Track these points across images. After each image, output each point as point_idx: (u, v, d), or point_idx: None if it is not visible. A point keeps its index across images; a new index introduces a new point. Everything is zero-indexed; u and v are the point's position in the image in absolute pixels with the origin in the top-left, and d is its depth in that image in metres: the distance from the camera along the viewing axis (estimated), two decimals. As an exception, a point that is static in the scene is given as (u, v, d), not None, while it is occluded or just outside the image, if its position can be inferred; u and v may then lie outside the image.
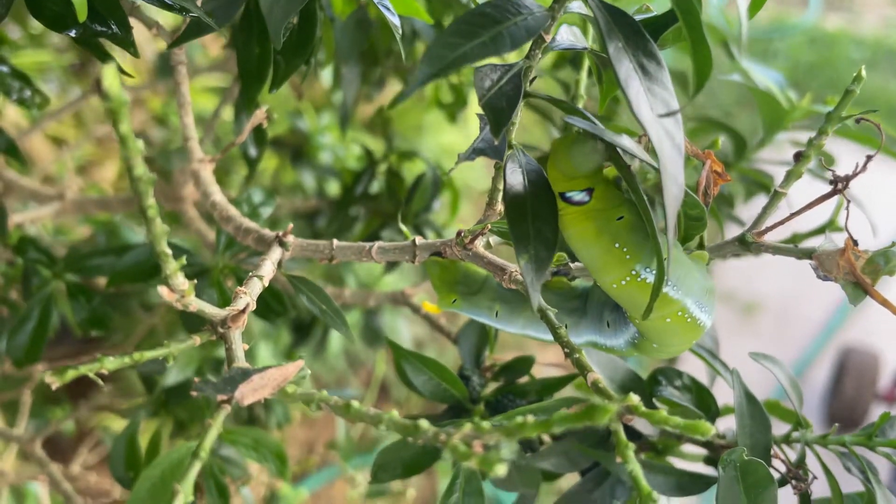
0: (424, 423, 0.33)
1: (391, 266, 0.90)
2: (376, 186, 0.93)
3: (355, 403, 0.35)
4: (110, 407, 0.90)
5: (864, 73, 0.45)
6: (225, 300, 0.61)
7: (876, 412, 2.20)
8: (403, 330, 1.34)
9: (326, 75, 1.18)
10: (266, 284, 0.46)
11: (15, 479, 1.10)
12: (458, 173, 0.97)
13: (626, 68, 0.37)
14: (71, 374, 0.35)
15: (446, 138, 2.20)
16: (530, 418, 0.31)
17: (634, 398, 0.37)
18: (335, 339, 1.08)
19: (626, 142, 0.39)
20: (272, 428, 0.98)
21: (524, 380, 0.59)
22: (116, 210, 0.84)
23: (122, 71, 0.52)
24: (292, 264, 0.71)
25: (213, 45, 1.57)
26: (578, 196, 0.41)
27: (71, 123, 1.84)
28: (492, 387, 0.60)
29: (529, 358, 0.59)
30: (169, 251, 0.35)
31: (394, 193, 0.90)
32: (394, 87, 1.30)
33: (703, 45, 0.35)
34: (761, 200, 0.61)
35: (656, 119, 0.36)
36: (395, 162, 0.93)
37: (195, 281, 0.37)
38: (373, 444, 1.90)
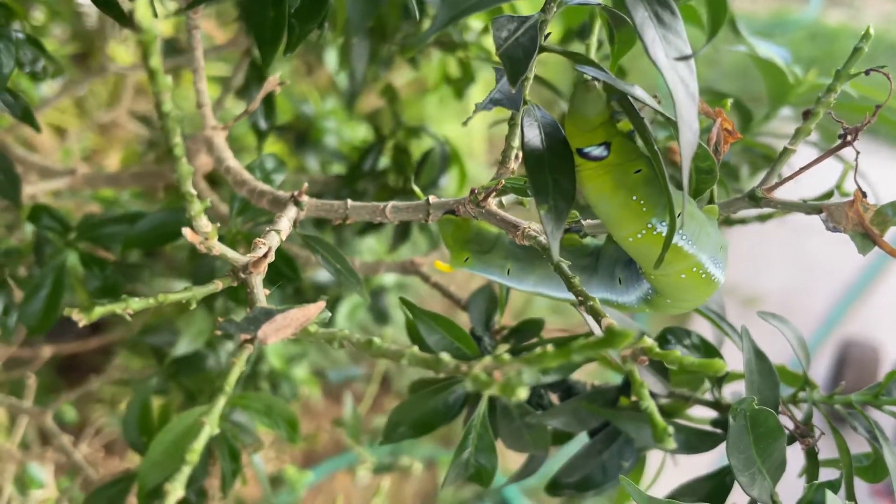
0: (446, 356, 0.34)
1: (397, 242, 0.91)
2: (384, 163, 0.94)
3: (377, 340, 0.35)
4: (121, 380, 0.90)
5: (871, 31, 0.45)
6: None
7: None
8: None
9: (331, 61, 1.19)
10: (283, 238, 0.47)
11: (21, 460, 1.10)
12: (463, 159, 0.98)
13: (641, 15, 0.37)
14: (98, 311, 0.36)
15: (448, 130, 2.21)
16: (550, 347, 0.31)
17: (648, 340, 0.38)
18: (341, 317, 1.09)
19: (638, 91, 0.40)
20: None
21: (534, 341, 0.60)
22: (127, 185, 0.84)
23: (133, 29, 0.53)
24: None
25: (218, 35, 1.58)
26: (596, 151, 0.41)
27: (73, 112, 1.84)
28: (501, 349, 0.61)
29: (538, 321, 0.60)
30: (194, 192, 0.36)
31: (402, 169, 0.91)
32: (401, 70, 1.30)
33: (717, -11, 0.36)
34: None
35: (672, 64, 0.37)
36: (403, 138, 0.93)
37: (218, 224, 0.38)
38: (375, 435, 1.91)
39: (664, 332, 0.56)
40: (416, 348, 0.35)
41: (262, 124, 0.74)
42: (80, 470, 0.78)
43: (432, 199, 0.51)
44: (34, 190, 0.75)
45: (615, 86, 0.40)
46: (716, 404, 0.57)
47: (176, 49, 1.04)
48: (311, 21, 0.55)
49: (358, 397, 1.94)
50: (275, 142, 1.50)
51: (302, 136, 1.21)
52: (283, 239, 0.47)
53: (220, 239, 0.63)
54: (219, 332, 0.37)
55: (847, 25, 3.66)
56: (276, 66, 1.40)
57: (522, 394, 0.30)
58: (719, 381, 0.56)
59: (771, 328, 0.57)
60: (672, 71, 0.36)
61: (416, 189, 0.55)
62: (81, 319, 0.35)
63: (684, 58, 0.37)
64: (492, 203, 0.49)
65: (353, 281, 0.53)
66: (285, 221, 0.49)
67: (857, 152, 0.43)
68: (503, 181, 0.48)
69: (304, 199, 0.53)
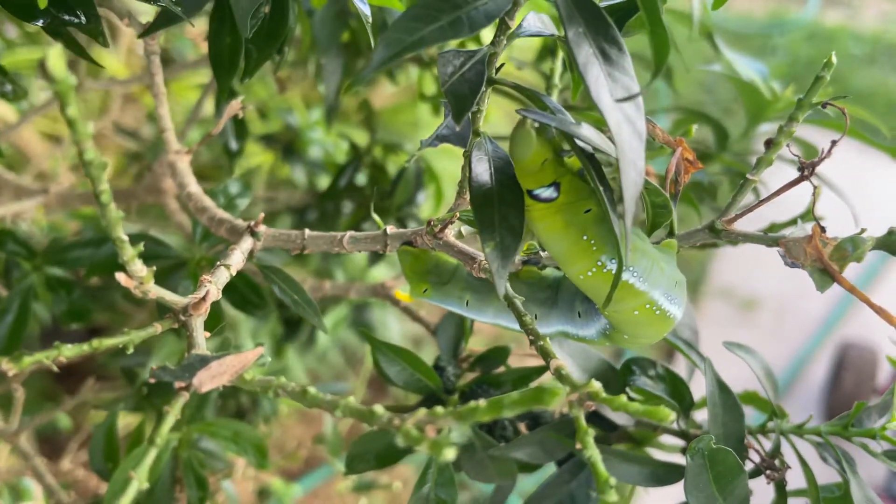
0: (379, 409, 0.33)
1: (375, 259, 0.90)
2: (362, 179, 0.93)
3: (311, 389, 0.35)
4: (94, 401, 0.89)
5: (834, 59, 0.44)
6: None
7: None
8: (393, 325, 1.34)
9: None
10: (233, 273, 0.46)
11: (7, 476, 1.10)
12: (445, 170, 0.97)
13: (585, 53, 0.36)
14: (27, 361, 0.35)
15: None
16: (482, 402, 0.31)
17: (595, 384, 0.37)
18: (323, 333, 1.08)
19: (584, 130, 0.39)
20: (259, 422, 0.98)
21: (500, 370, 0.59)
22: (100, 204, 0.83)
23: (92, 61, 0.52)
24: (273, 259, 0.70)
25: (204, 43, 1.57)
26: (546, 193, 0.41)
27: (64, 120, 1.84)
28: (468, 378, 0.60)
29: (505, 348, 0.59)
30: (125, 237, 0.35)
31: (378, 186, 0.90)
32: (382, 84, 1.30)
33: (660, 28, 0.35)
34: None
35: (615, 104, 0.35)
36: (381, 154, 0.92)
37: (153, 267, 0.37)
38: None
39: (628, 362, 0.55)
40: (351, 399, 0.34)
41: (233, 145, 0.74)
42: (53, 493, 0.78)
43: (390, 229, 0.50)
44: (2, 212, 0.75)
45: (551, 125, 0.39)
46: (683, 434, 0.56)
47: (162, 59, 1.03)
48: (269, 47, 0.54)
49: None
50: (265, 152, 1.49)
51: (289, 146, 1.21)
52: (234, 274, 0.46)
53: (184, 264, 0.63)
54: (152, 380, 0.36)
55: (845, 25, 3.64)
56: (263, 78, 1.39)
57: (450, 454, 0.29)
58: (686, 411, 0.55)
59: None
60: (616, 112, 0.35)
61: (376, 217, 0.54)
62: (11, 370, 0.35)
63: (630, 97, 0.36)
64: (450, 234, 0.49)
65: (310, 312, 0.52)
66: (238, 255, 0.48)
67: (815, 186, 0.42)
68: (458, 213, 0.47)
69: (261, 229, 0.52)
